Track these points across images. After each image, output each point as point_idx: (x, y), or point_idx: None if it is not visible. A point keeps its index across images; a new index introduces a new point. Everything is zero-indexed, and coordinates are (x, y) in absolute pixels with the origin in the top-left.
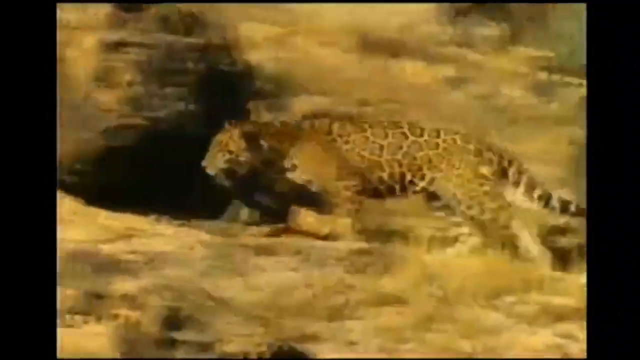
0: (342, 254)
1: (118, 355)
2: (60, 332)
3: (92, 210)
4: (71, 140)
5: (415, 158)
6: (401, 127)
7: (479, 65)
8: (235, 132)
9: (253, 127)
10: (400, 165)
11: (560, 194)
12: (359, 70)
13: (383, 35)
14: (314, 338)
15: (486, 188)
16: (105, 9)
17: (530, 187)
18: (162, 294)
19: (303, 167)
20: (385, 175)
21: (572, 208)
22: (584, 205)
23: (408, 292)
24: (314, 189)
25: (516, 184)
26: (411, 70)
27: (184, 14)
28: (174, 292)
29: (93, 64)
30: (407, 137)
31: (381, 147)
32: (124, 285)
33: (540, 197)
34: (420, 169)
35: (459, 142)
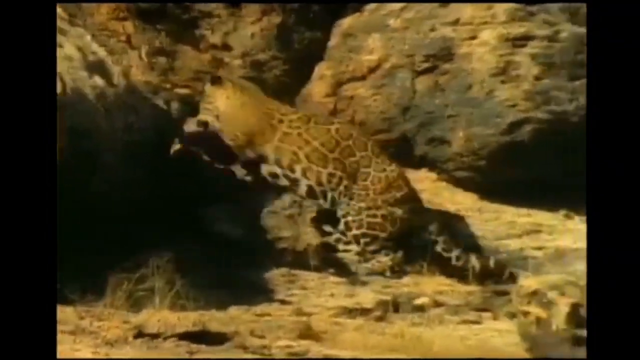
0: None
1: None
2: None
3: (496, 206)
4: (465, 137)
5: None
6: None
7: None
8: None
9: None
10: (344, 167)
11: None
12: None
13: None
14: None
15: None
16: (506, 4)
17: None
18: (571, 290)
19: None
20: (324, 175)
21: None
22: None
23: None
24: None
25: None
26: None
27: None
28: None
29: (494, 59)
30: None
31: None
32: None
33: None
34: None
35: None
